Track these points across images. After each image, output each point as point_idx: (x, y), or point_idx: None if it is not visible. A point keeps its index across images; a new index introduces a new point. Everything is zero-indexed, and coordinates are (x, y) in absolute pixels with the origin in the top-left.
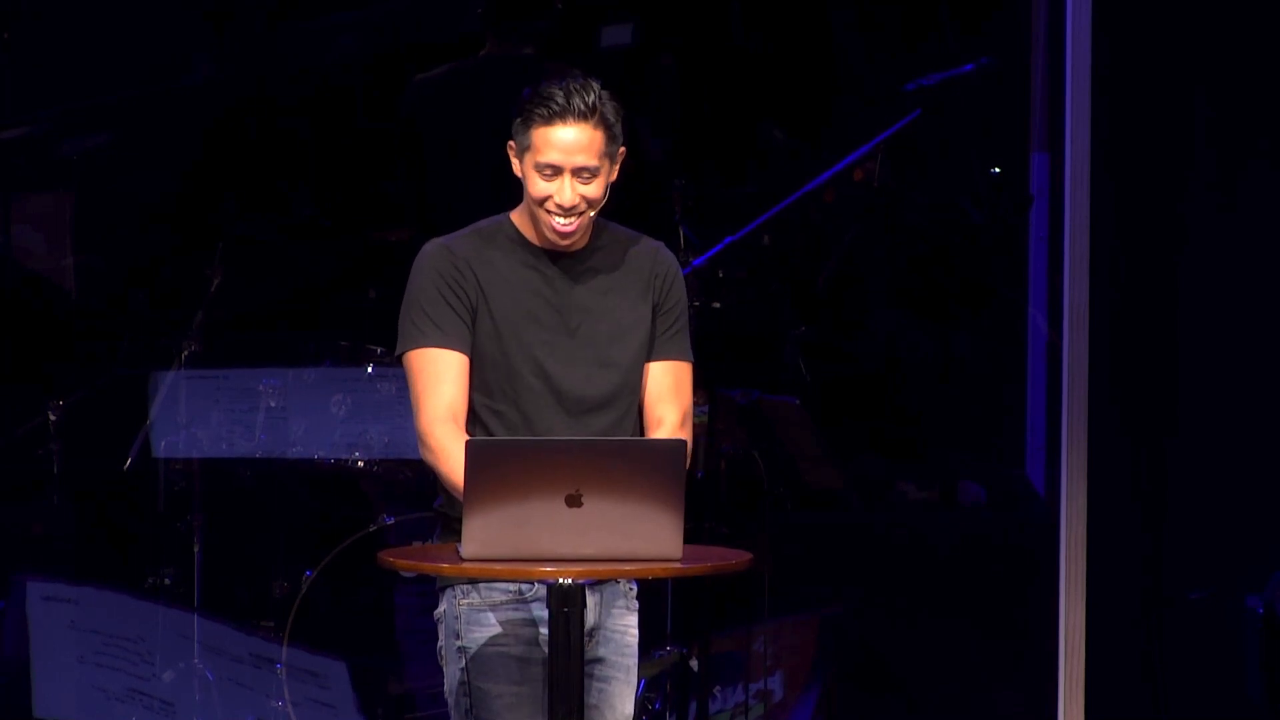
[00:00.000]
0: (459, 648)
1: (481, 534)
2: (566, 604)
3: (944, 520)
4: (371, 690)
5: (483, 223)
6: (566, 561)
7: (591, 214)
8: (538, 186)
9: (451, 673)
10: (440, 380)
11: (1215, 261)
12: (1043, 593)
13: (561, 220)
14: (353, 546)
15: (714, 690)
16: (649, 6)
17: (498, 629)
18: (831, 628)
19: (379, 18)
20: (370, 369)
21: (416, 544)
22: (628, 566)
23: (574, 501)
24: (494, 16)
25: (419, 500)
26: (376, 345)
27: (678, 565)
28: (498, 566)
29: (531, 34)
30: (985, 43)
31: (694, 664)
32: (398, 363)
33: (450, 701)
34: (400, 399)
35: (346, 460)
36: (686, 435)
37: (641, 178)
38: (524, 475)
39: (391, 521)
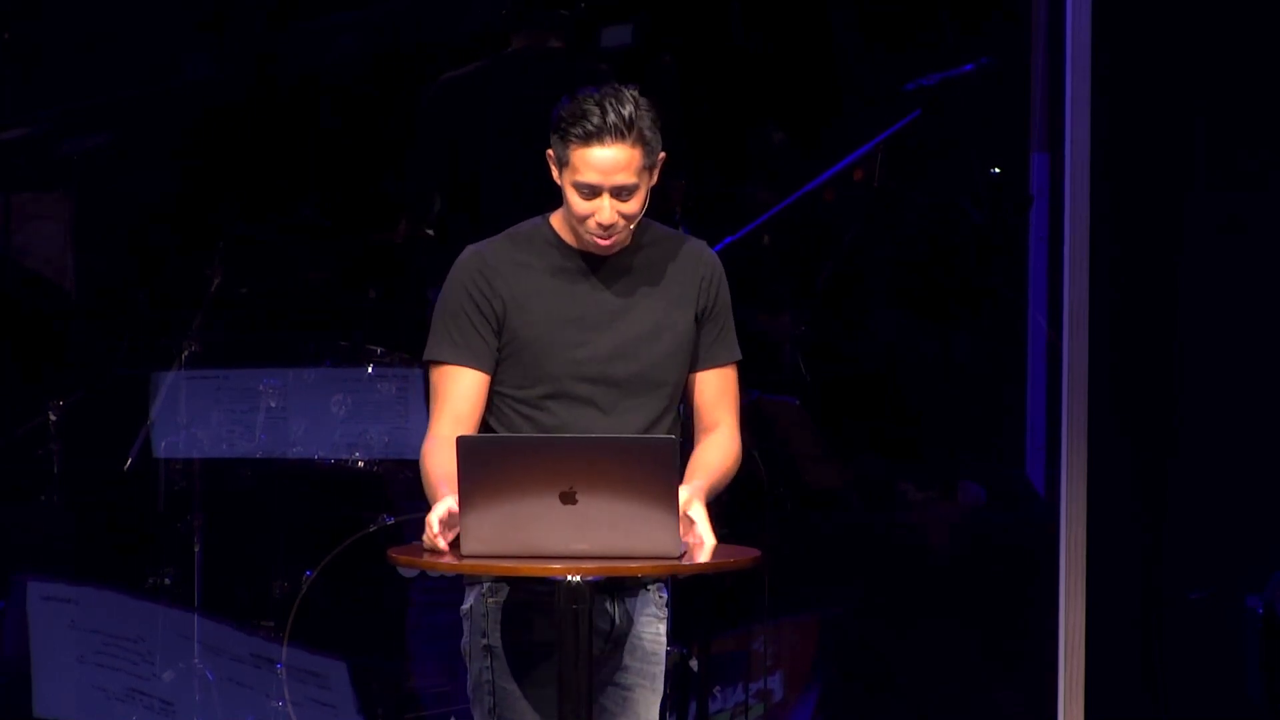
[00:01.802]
0: (485, 645)
1: (478, 531)
2: (575, 602)
3: (944, 520)
4: (371, 690)
5: (521, 226)
6: (566, 559)
7: (632, 225)
8: (578, 205)
9: (475, 670)
10: (449, 399)
11: (1215, 261)
12: (1043, 593)
13: (604, 240)
14: (353, 546)
15: (714, 690)
16: (649, 6)
17: (526, 629)
18: (831, 628)
19: (379, 18)
20: (370, 369)
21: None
22: (633, 564)
23: (568, 499)
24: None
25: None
26: (376, 345)
27: (683, 563)
28: (503, 564)
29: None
30: (985, 43)
31: (694, 664)
32: (398, 363)
33: (472, 698)
34: (400, 399)
35: (346, 460)
36: (738, 436)
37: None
38: (515, 472)
39: (391, 521)
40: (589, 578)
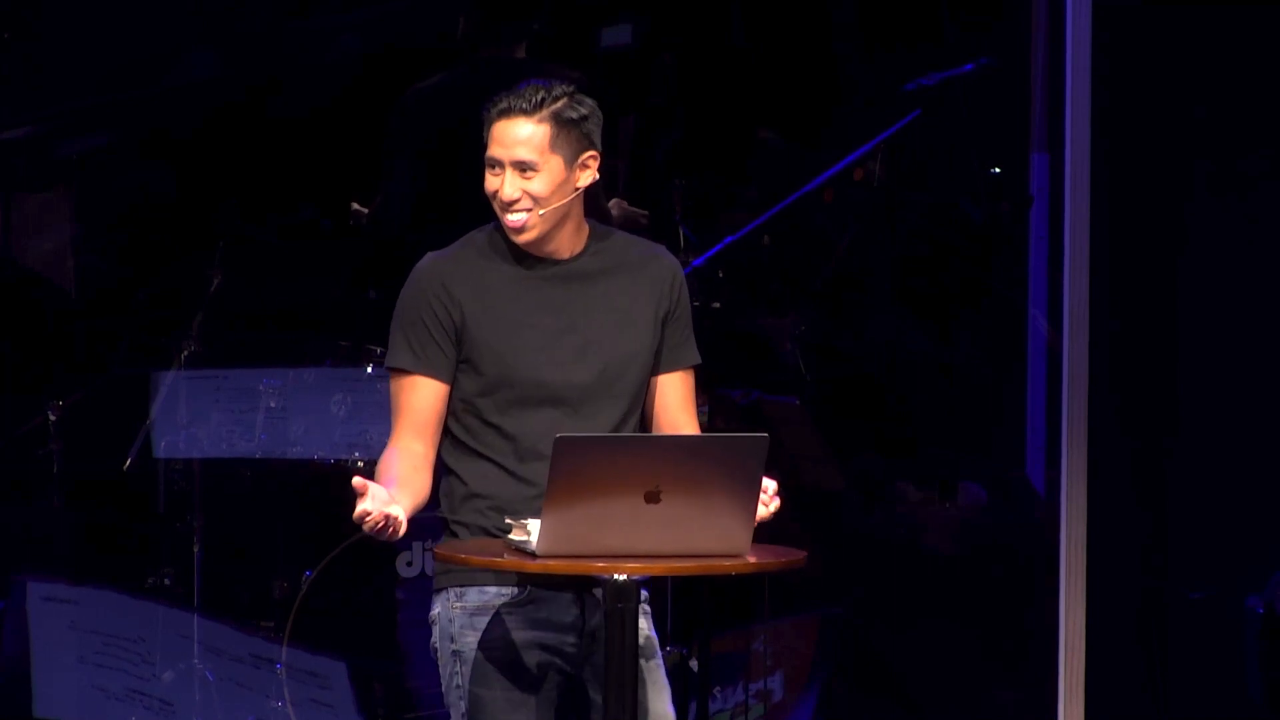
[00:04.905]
0: (453, 651)
1: (555, 531)
2: (621, 600)
3: (944, 520)
4: (371, 690)
5: (477, 232)
6: (633, 558)
7: (542, 211)
8: (487, 180)
9: (447, 676)
10: (409, 409)
11: (1215, 261)
12: (1043, 593)
13: (511, 216)
14: (353, 547)
15: (714, 690)
16: (649, 6)
17: (492, 633)
18: (831, 628)
19: (379, 18)
20: (370, 369)
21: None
22: (687, 563)
23: (653, 498)
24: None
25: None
26: (376, 345)
27: (727, 564)
28: (556, 563)
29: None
30: (985, 43)
31: (694, 664)
32: None
33: (446, 702)
34: None
35: (346, 460)
36: None
37: (642, 177)
38: (606, 471)
39: None
40: (635, 576)
